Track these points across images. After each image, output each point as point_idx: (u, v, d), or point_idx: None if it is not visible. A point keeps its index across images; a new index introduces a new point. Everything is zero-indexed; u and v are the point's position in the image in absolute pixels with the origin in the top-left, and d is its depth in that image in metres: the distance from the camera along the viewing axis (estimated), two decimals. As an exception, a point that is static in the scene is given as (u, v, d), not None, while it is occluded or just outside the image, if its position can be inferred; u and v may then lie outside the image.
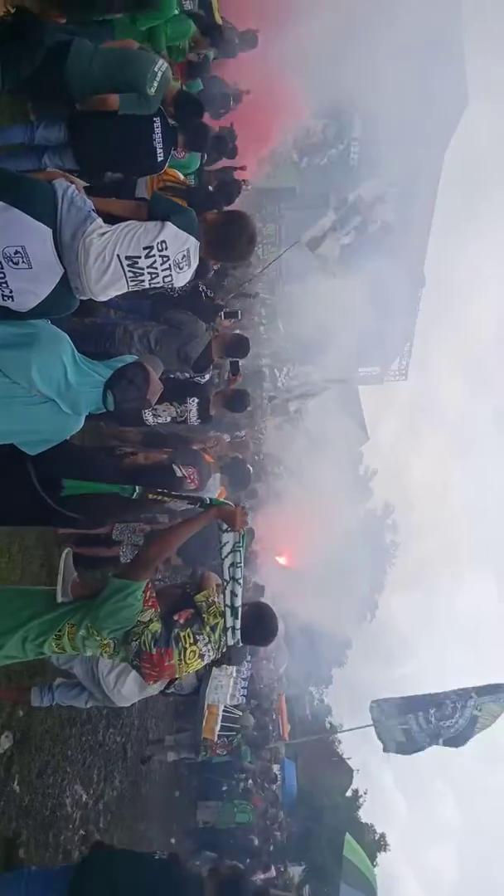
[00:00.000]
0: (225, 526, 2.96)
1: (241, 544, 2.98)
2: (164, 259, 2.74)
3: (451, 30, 22.69)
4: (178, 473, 4.52)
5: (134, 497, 2.98)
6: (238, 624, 3.01)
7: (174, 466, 4.49)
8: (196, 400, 5.24)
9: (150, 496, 3.01)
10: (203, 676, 8.65)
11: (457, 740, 11.29)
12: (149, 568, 2.84)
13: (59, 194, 2.35)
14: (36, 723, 4.76)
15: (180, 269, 2.83)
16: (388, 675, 47.98)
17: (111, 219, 2.63)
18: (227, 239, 3.10)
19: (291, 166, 21.15)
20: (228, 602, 2.98)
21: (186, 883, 3.28)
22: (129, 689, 4.16)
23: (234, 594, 2.98)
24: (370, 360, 31.85)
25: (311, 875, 17.06)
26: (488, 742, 11.46)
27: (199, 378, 5.62)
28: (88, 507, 3.24)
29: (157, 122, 4.12)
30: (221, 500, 3.23)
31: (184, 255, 2.83)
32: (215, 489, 5.81)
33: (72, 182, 2.44)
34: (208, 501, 3.05)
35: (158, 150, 4.19)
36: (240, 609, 3.01)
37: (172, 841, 10.36)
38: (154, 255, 2.70)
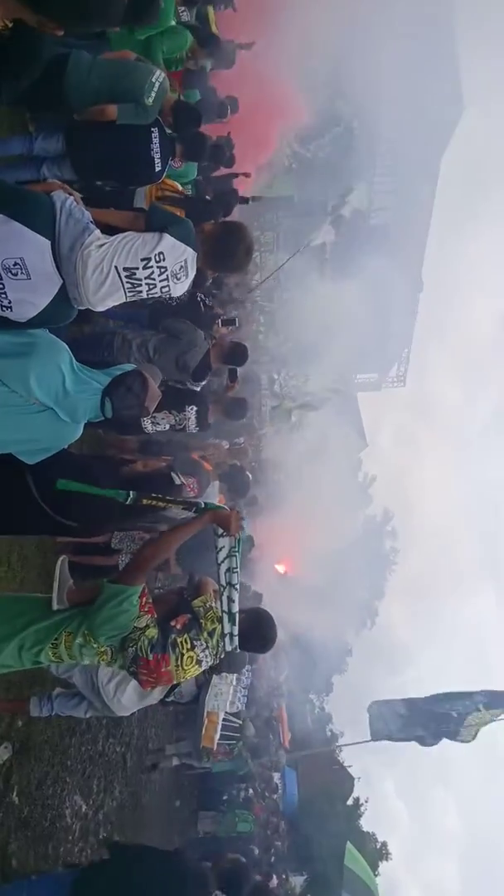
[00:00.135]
0: (220, 530, 2.95)
1: (236, 549, 2.97)
2: (162, 270, 2.76)
3: (445, 36, 22.88)
4: (177, 481, 4.53)
5: (128, 502, 2.97)
6: (235, 630, 2.99)
7: (173, 474, 4.50)
8: (195, 408, 5.26)
9: (145, 501, 3.01)
10: (203, 684, 8.63)
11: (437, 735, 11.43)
12: (143, 572, 2.82)
13: (58, 206, 2.36)
14: (35, 733, 4.74)
15: (178, 279, 2.84)
16: (390, 683, 47.83)
17: (109, 230, 2.64)
18: (225, 250, 3.13)
19: (289, 175, 21.23)
20: (226, 608, 2.96)
21: (191, 875, 3.29)
22: (128, 698, 4.15)
23: (230, 600, 2.96)
24: (368, 366, 31.96)
25: (312, 885, 16.94)
26: (489, 749, 11.41)
27: (193, 385, 5.63)
28: (87, 515, 3.25)
29: (155, 132, 4.14)
30: (216, 504, 3.22)
31: (181, 266, 2.84)
32: (214, 497, 5.82)
33: (70, 194, 2.46)
34: (202, 506, 3.03)
35: (156, 160, 4.21)
36: (237, 615, 2.99)
37: (173, 851, 10.29)
38: (152, 267, 2.71)
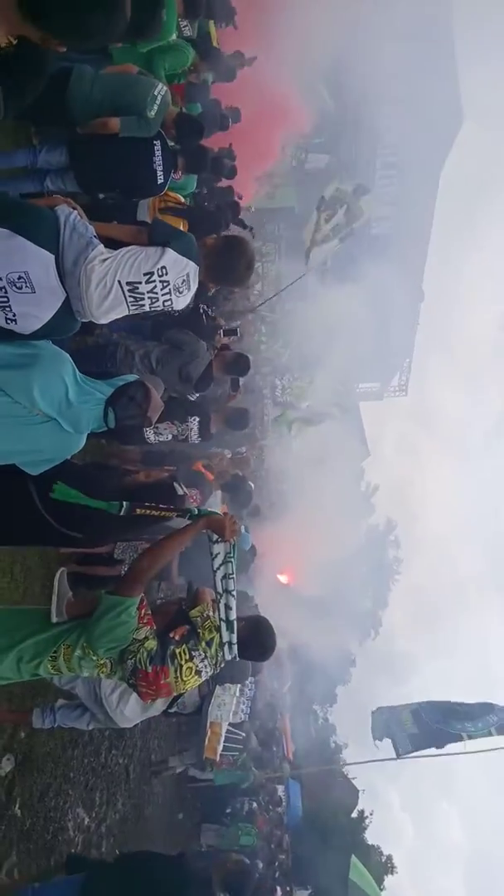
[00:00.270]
0: (215, 536, 2.94)
1: (232, 555, 2.95)
2: (165, 284, 2.78)
3: (445, 50, 23.09)
4: (180, 492, 4.53)
5: (121, 513, 2.96)
6: (234, 638, 2.97)
7: (175, 484, 4.50)
8: (197, 419, 5.27)
9: (139, 511, 3.00)
10: (206, 695, 8.59)
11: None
12: (140, 583, 2.80)
13: (62, 221, 2.38)
14: (38, 745, 4.72)
15: (180, 293, 2.87)
16: (394, 693, 47.51)
17: (112, 244, 2.67)
18: (226, 264, 3.16)
19: (290, 186, 21.38)
20: (223, 616, 2.94)
21: (195, 876, 3.28)
22: (131, 709, 4.14)
23: (228, 607, 2.94)
24: (370, 375, 32.03)
25: (316, 898, 16.77)
26: (494, 761, 11.21)
27: (190, 395, 5.64)
28: (89, 525, 3.24)
29: (158, 145, 4.18)
30: (209, 509, 3.20)
31: (183, 280, 2.87)
32: (216, 507, 5.81)
33: (74, 208, 2.48)
34: (196, 512, 3.02)
35: (159, 173, 4.25)
36: (235, 623, 2.97)
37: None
38: (154, 281, 2.74)
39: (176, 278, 2.81)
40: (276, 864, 14.80)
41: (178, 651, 2.92)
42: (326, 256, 13.04)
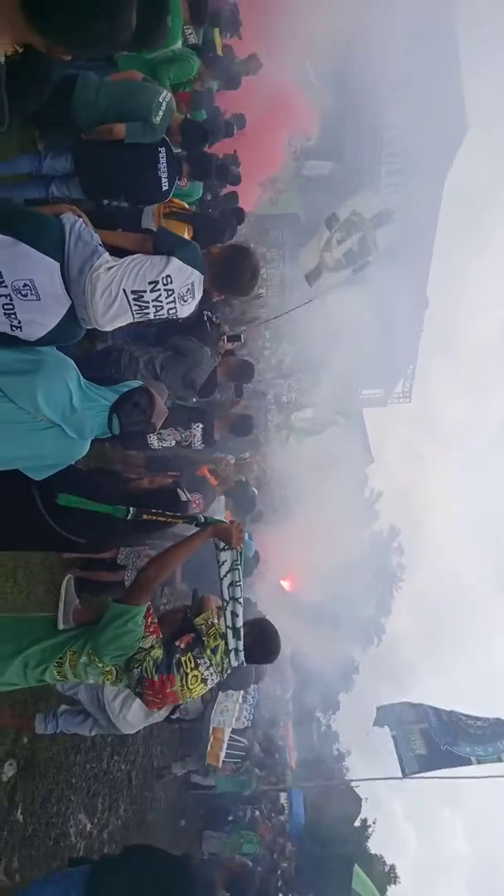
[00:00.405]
0: (222, 544, 2.93)
1: (238, 562, 2.94)
2: (169, 293, 2.79)
3: (450, 57, 23.16)
4: (183, 497, 4.53)
5: (129, 518, 2.97)
6: (241, 645, 2.96)
7: (179, 490, 4.50)
8: (201, 425, 5.27)
9: (145, 517, 3.00)
10: (209, 701, 8.57)
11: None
12: (147, 591, 2.80)
13: (67, 229, 2.39)
14: (40, 750, 4.72)
15: (184, 301, 2.88)
16: (397, 700, 47.20)
17: (117, 252, 2.68)
18: (231, 273, 3.18)
19: (294, 192, 21.41)
20: (230, 623, 2.93)
21: (198, 877, 3.27)
22: (134, 715, 4.13)
23: (234, 615, 2.94)
24: (374, 382, 31.99)
25: (319, 907, 16.66)
26: (498, 770, 11.04)
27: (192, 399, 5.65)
28: (92, 530, 3.25)
29: (162, 152, 4.20)
30: (215, 517, 3.20)
31: (188, 289, 2.88)
32: (220, 513, 5.81)
33: (79, 216, 2.49)
34: (203, 520, 3.02)
35: (163, 179, 4.26)
36: (241, 630, 2.97)
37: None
38: (159, 289, 2.75)
39: (180, 287, 2.82)
40: (279, 872, 14.72)
41: (183, 659, 2.92)
42: (336, 284, 12.75)
